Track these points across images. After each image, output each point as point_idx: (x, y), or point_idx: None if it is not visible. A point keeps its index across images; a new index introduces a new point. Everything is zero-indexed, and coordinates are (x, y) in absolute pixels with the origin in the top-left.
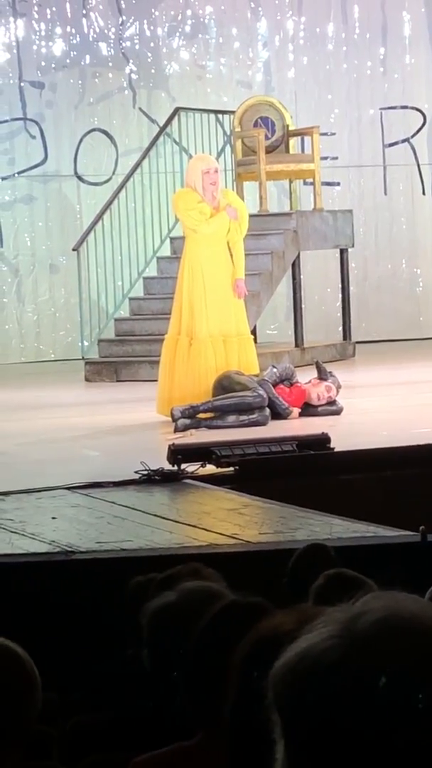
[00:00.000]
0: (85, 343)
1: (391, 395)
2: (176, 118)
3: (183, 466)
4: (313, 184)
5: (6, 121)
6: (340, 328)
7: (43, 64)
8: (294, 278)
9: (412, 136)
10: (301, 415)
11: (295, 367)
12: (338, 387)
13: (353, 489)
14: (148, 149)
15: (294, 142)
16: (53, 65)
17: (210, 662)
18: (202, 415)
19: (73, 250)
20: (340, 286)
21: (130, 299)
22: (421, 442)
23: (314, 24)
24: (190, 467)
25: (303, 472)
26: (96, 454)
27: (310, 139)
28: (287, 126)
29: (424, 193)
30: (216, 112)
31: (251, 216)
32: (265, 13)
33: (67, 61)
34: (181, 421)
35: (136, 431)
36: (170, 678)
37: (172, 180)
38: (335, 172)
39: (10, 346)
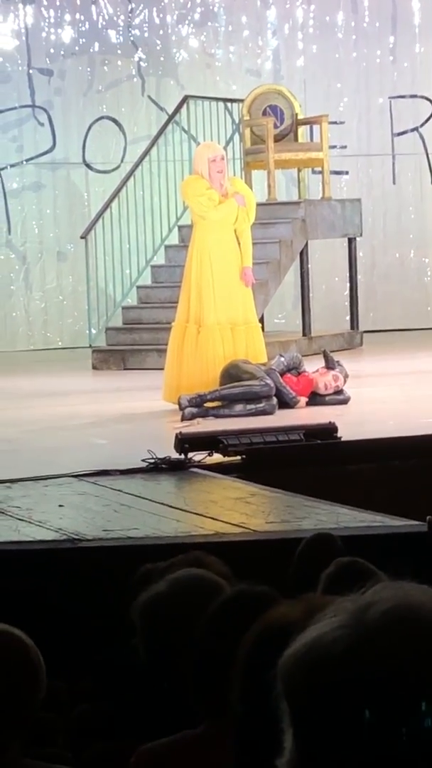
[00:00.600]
0: (93, 331)
1: (399, 385)
2: (185, 106)
3: (190, 454)
4: (321, 172)
5: (14, 108)
6: (348, 318)
7: (51, 51)
8: (302, 267)
9: (422, 125)
10: (308, 404)
11: (303, 356)
12: (345, 376)
13: (360, 478)
14: (157, 137)
15: (303, 131)
16: (62, 52)
17: (217, 651)
18: (209, 404)
19: (81, 237)
20: (347, 275)
21: (138, 287)
22: (429, 432)
23: (324, 12)
24: (197, 456)
25: (310, 461)
26: (103, 442)
27: (319, 127)
28: (296, 114)
29: None
30: (225, 100)
31: (259, 204)
32: (275, 1)
33: (76, 48)
34: (189, 410)
35: (143, 419)
36: (165, 668)
37: (180, 168)
38: (344, 160)
39: (18, 333)
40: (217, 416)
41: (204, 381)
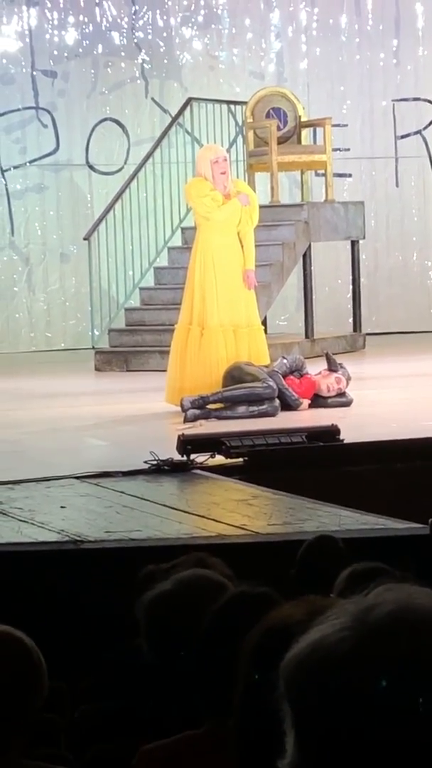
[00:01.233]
0: (96, 333)
1: (401, 387)
2: (188, 108)
3: (192, 456)
4: (324, 175)
5: (18, 110)
6: (351, 320)
7: (55, 53)
8: (305, 269)
9: (425, 128)
10: (310, 406)
11: (305, 358)
12: (348, 378)
13: (362, 481)
14: (160, 139)
15: (306, 134)
16: (66, 54)
17: (218, 652)
18: (211, 406)
19: (84, 239)
20: (350, 277)
21: (141, 289)
22: (431, 434)
23: (327, 15)
24: (200, 457)
25: (312, 463)
26: (105, 444)
27: (322, 130)
28: (299, 117)
29: None
30: (228, 102)
31: (262, 207)
32: (279, 3)
33: (80, 50)
34: (191, 412)
35: (145, 421)
36: (169, 668)
37: (183, 170)
38: (347, 163)
39: (21, 334)
40: (219, 418)
41: (207, 383)
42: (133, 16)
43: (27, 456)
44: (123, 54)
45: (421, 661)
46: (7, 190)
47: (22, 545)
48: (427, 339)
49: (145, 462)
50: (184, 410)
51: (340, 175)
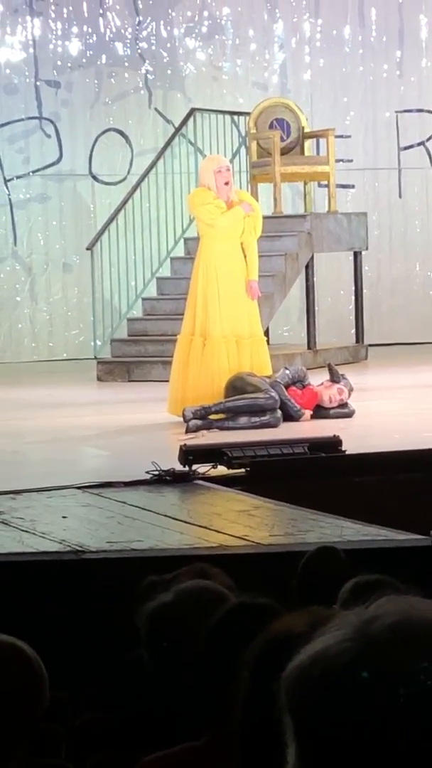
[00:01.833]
0: (98, 343)
1: (403, 398)
2: (191, 118)
3: (194, 466)
4: (327, 186)
5: (21, 120)
6: (353, 331)
7: (59, 63)
8: (307, 280)
9: (428, 139)
10: (312, 417)
11: (308, 369)
12: (350, 390)
13: (364, 492)
14: (163, 150)
15: (309, 144)
16: (69, 64)
17: (219, 663)
18: (213, 416)
19: (87, 249)
20: (353, 288)
21: (143, 299)
22: None
23: (331, 26)
24: (201, 468)
25: (314, 474)
26: (107, 454)
27: (326, 141)
28: (302, 128)
29: None
30: (231, 113)
31: (265, 217)
32: (282, 15)
33: (83, 60)
34: (193, 422)
35: (147, 431)
36: (170, 678)
37: (186, 181)
38: (350, 174)
39: (23, 344)
40: (221, 428)
41: (209, 393)
42: (137, 27)
43: (29, 466)
44: (126, 64)
45: (422, 672)
46: (10, 200)
47: (23, 555)
48: (430, 350)
49: (147, 472)
50: (186, 420)
51: (343, 186)
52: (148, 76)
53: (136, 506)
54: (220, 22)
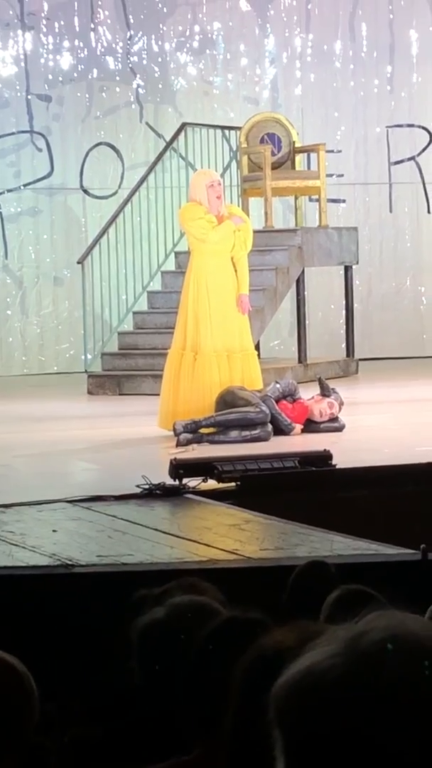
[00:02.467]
0: (89, 357)
1: (394, 413)
2: (183, 133)
3: (184, 480)
4: (318, 200)
5: (13, 134)
6: (344, 345)
7: (50, 77)
8: (298, 294)
9: (418, 154)
10: (303, 431)
11: (298, 383)
12: (341, 404)
13: (354, 506)
14: (154, 164)
15: (300, 159)
16: (60, 78)
17: (209, 677)
18: (204, 430)
19: (78, 263)
20: (344, 302)
21: (134, 313)
22: (423, 460)
23: (322, 41)
24: (192, 482)
25: (304, 488)
26: (97, 468)
27: (316, 155)
28: (293, 143)
29: (429, 211)
30: (222, 127)
31: (256, 232)
32: (273, 29)
33: (75, 74)
34: (183, 436)
35: (138, 445)
36: (160, 692)
37: (177, 195)
38: (341, 189)
39: (13, 358)
40: (212, 442)
41: (200, 407)
42: (128, 41)
43: (19, 479)
44: (118, 79)
45: (411, 687)
46: (1, 213)
47: (13, 569)
48: (420, 365)
49: (138, 486)
50: (176, 434)
51: (333, 201)
52: (139, 90)
53: (126, 520)
54: (211, 37)
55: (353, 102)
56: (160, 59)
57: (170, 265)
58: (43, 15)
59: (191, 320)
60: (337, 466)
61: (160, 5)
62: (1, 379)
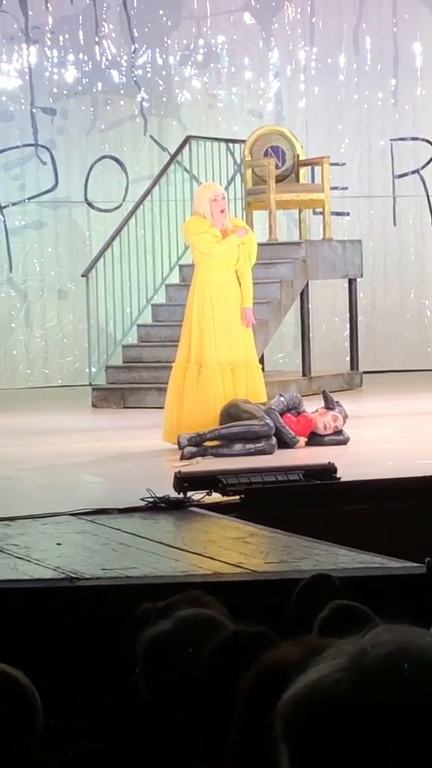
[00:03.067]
0: (93, 369)
1: (398, 426)
2: (187, 146)
3: (189, 493)
4: (322, 213)
5: (17, 147)
6: (348, 358)
7: (55, 90)
8: (302, 307)
9: (422, 167)
10: (307, 444)
11: (303, 396)
12: (345, 417)
13: (359, 519)
14: (159, 177)
15: (304, 172)
16: (65, 92)
17: (214, 691)
18: (208, 443)
19: (82, 276)
20: (348, 315)
21: (138, 326)
22: (428, 473)
23: (326, 55)
24: (196, 495)
25: (309, 501)
26: (102, 481)
27: (320, 169)
28: (297, 156)
29: None
30: (227, 140)
31: (260, 245)
32: (277, 43)
33: (79, 88)
34: (188, 449)
35: (142, 458)
36: (166, 706)
37: (182, 208)
38: (345, 202)
39: (18, 371)
40: (216, 455)
41: (204, 421)
42: (133, 55)
43: (23, 493)
44: (122, 92)
45: (417, 702)
46: (5, 226)
47: (17, 582)
48: (424, 378)
49: (142, 499)
50: (180, 447)
51: (338, 214)
52: (144, 103)
53: (130, 533)
54: (215, 50)
55: (357, 115)
56: (164, 72)
57: (174, 278)
58: (47, 28)
59: (195, 333)
60: (341, 479)
61: (164, 19)
62: (6, 392)
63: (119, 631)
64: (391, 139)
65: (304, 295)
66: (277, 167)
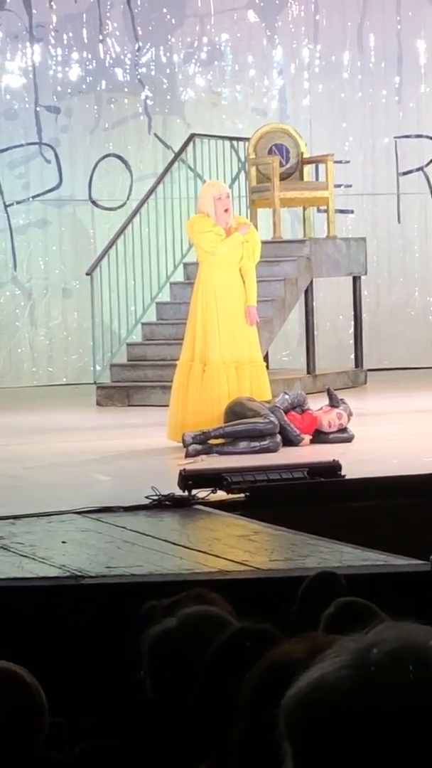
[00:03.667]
0: (97, 368)
1: (403, 423)
2: (191, 144)
3: (194, 491)
4: (326, 211)
5: (21, 146)
6: (352, 356)
7: (59, 89)
8: (306, 305)
9: (426, 164)
10: (312, 442)
11: (307, 393)
12: (349, 414)
13: (364, 517)
14: (163, 175)
15: (308, 170)
16: (69, 90)
17: (219, 689)
18: (213, 441)
19: (87, 274)
20: (352, 313)
21: (143, 324)
22: None
23: (330, 52)
24: (201, 493)
25: (313, 499)
26: (107, 479)
27: (325, 166)
28: (302, 153)
29: None
30: (231, 138)
31: (264, 242)
32: (281, 40)
33: (83, 86)
34: (193, 447)
35: (147, 456)
36: (171, 704)
37: (186, 206)
38: (349, 199)
39: (23, 369)
40: (221, 453)
41: (209, 419)
42: (137, 53)
43: (28, 491)
44: (126, 90)
45: (421, 699)
46: (10, 225)
47: (23, 580)
48: (429, 375)
49: (147, 497)
50: (185, 445)
51: (342, 212)
52: (148, 101)
53: (135, 531)
54: (219, 48)
55: (361, 112)
56: (168, 71)
57: (179, 276)
58: (51, 27)
59: (200, 331)
60: (346, 477)
61: (168, 17)
62: (11, 391)
63: (124, 629)
64: (395, 137)
65: (308, 293)
66: (281, 165)
